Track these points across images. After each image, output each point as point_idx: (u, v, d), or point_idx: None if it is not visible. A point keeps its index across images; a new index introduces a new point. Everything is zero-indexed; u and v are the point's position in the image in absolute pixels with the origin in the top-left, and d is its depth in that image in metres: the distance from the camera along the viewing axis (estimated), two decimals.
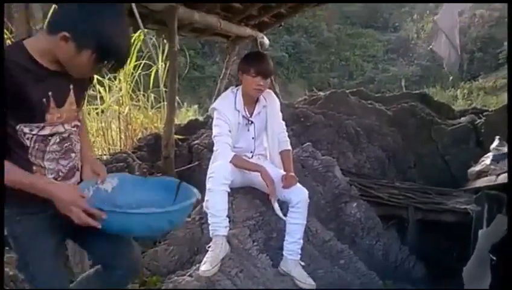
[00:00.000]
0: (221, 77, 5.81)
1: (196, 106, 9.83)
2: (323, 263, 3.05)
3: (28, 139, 1.44)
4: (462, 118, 5.24)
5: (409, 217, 3.96)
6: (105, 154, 4.64)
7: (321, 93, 6.21)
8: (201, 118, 6.04)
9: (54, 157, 1.52)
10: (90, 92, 5.15)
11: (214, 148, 2.61)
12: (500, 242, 2.27)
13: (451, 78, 11.14)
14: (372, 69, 15.02)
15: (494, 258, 2.26)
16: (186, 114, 8.61)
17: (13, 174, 1.37)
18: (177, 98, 6.53)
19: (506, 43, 13.38)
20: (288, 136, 2.95)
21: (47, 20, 1.48)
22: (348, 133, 4.81)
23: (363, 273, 3.14)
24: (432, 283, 3.56)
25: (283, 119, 2.90)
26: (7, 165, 1.37)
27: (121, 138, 4.88)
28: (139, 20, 2.61)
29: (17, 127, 1.41)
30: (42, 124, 1.45)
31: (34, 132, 1.44)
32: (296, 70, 15.16)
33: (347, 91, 5.63)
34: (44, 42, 1.39)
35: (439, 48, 5.06)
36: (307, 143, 3.96)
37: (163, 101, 5.12)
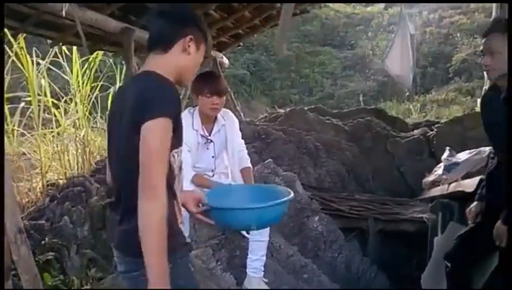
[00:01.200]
0: (181, 96, 5.80)
1: None
2: (288, 278, 3.08)
3: (173, 164, 1.40)
4: (415, 131, 5.46)
5: (369, 228, 4.06)
6: (61, 179, 4.50)
7: (281, 110, 6.33)
8: None
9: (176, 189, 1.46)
10: (45, 115, 5.00)
11: None
12: (453, 249, 2.36)
13: (407, 93, 11.63)
14: (331, 85, 15.39)
15: (449, 264, 2.34)
16: None
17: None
18: None
19: (454, 58, 14.19)
20: (250, 153, 2.99)
21: (155, 42, 1.47)
22: (308, 148, 4.91)
23: (327, 287, 3.18)
24: None
25: (244, 137, 2.94)
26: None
27: (78, 161, 4.75)
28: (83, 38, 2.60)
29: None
30: (180, 148, 1.44)
31: (176, 157, 1.41)
32: (258, 88, 15.31)
33: (306, 108, 5.77)
34: (166, 64, 1.42)
35: (394, 63, 5.27)
36: (269, 160, 4.02)
37: None
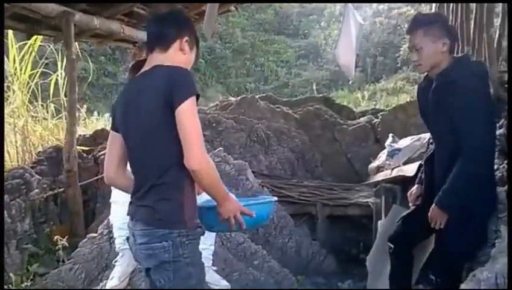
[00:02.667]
0: None
1: (108, 114, 9.39)
2: (238, 265, 3.11)
3: None
4: (361, 118, 5.63)
5: (318, 213, 4.17)
6: None
7: (232, 98, 6.31)
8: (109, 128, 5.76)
9: None
10: None
11: None
12: (396, 231, 2.44)
13: (351, 81, 11.93)
14: (285, 74, 15.53)
15: (392, 246, 2.42)
16: (98, 123, 8.18)
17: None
18: (85, 106, 6.22)
19: (402, 48, 14.71)
20: None
21: (155, 42, 1.68)
22: (259, 136, 4.96)
23: (277, 272, 3.24)
24: (341, 274, 3.78)
25: None
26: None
27: (18, 152, 4.49)
28: None
29: None
30: None
31: None
32: (214, 76, 15.18)
33: (257, 96, 5.79)
34: (168, 60, 1.64)
35: (341, 52, 5.38)
36: (219, 148, 4.00)
37: (65, 111, 4.83)
